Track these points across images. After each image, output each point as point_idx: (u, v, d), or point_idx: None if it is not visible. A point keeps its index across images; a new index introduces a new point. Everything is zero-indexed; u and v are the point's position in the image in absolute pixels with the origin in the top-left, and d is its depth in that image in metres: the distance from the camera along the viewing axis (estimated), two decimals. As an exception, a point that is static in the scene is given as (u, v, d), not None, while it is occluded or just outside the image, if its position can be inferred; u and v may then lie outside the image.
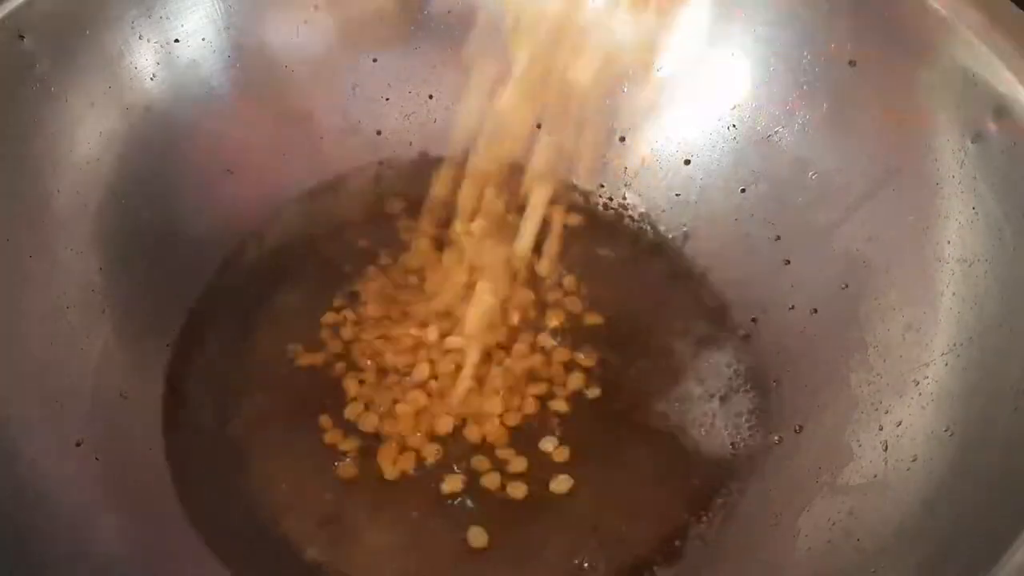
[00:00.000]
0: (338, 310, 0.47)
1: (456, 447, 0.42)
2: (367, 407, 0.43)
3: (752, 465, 0.42)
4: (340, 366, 0.45)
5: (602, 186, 0.51)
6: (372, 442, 0.43)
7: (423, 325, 0.45)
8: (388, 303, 0.47)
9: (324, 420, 0.43)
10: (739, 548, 0.40)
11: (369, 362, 0.45)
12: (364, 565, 0.40)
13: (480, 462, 0.42)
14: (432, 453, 0.42)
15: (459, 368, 0.44)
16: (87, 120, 0.44)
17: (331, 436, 0.43)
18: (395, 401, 0.43)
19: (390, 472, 0.42)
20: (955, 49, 0.39)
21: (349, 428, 0.43)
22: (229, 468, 0.42)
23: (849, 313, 0.43)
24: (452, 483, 0.41)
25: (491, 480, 0.41)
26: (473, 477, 0.42)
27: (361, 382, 0.44)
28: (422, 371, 0.44)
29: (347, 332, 0.46)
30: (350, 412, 0.43)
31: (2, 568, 0.33)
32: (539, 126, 0.49)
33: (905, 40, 0.41)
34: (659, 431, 0.43)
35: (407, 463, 0.42)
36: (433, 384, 0.44)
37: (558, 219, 0.47)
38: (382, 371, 0.44)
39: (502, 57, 0.50)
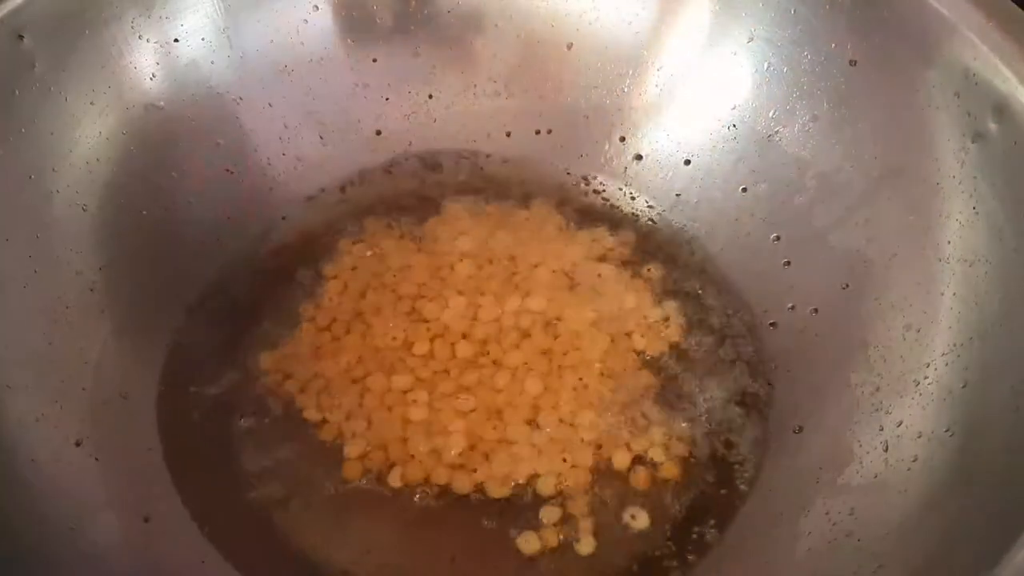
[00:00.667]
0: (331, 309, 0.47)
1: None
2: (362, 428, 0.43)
3: (752, 466, 0.42)
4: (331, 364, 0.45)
5: (602, 186, 0.51)
6: (373, 443, 0.43)
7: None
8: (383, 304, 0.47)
9: (324, 419, 0.43)
10: (740, 549, 0.39)
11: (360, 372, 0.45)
12: (366, 564, 0.40)
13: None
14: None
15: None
16: (87, 120, 0.44)
17: (328, 432, 0.43)
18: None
19: (393, 480, 0.42)
20: (955, 48, 0.39)
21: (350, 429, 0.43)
22: (229, 467, 0.42)
23: (849, 313, 0.43)
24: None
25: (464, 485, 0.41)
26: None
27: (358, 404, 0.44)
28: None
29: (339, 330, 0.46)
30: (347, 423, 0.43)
31: (2, 568, 0.33)
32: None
33: (905, 40, 0.41)
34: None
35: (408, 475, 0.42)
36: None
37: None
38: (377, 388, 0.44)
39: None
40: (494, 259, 0.49)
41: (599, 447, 0.42)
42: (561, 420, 0.43)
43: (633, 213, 0.50)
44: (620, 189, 0.51)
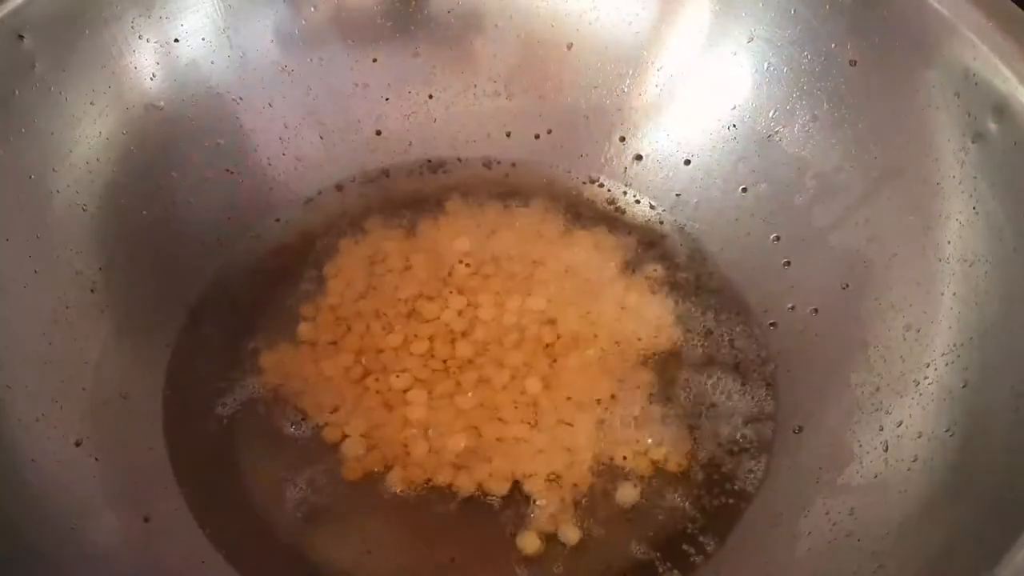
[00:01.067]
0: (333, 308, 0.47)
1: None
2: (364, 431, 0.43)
3: (753, 466, 0.42)
4: (331, 365, 0.45)
5: (602, 186, 0.51)
6: (373, 444, 0.43)
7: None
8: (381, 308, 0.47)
9: (324, 419, 0.43)
10: (740, 549, 0.39)
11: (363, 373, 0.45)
12: (366, 564, 0.40)
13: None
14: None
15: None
16: (87, 120, 0.44)
17: (328, 432, 0.43)
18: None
19: (393, 481, 0.42)
20: (955, 49, 0.39)
21: (350, 429, 0.43)
22: (230, 467, 0.42)
23: (849, 313, 0.43)
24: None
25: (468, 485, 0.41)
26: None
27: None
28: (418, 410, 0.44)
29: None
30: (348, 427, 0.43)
31: (2, 568, 0.33)
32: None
33: (905, 40, 0.41)
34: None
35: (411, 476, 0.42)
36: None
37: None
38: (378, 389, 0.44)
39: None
40: (494, 259, 0.49)
41: (599, 447, 0.42)
42: (561, 420, 0.43)
43: (633, 213, 0.50)
44: (620, 189, 0.51)
